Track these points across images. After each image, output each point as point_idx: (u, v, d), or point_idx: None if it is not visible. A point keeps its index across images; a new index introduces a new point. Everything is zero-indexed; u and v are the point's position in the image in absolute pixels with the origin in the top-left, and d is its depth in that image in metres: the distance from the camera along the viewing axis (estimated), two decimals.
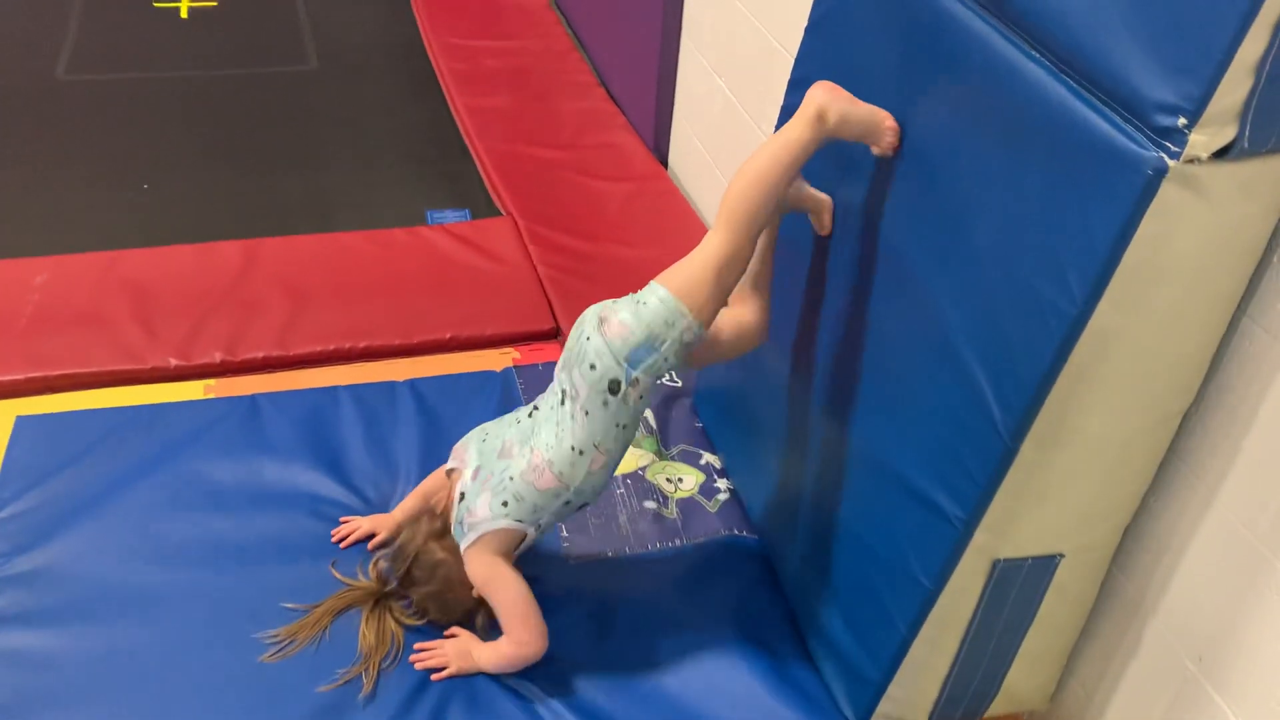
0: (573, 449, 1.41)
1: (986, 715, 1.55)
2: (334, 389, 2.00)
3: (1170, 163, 1.02)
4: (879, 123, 1.38)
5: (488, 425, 1.56)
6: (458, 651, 1.50)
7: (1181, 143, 1.02)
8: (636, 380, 1.37)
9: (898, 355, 1.41)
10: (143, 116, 3.11)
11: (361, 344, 2.23)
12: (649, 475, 1.85)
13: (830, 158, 1.58)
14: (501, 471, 1.46)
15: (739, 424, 1.85)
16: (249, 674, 1.47)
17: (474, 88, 3.30)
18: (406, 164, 3.00)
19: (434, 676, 1.48)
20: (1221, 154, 1.03)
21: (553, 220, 2.67)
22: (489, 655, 1.48)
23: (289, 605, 1.55)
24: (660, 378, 1.41)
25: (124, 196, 2.73)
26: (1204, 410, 1.27)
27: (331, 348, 2.21)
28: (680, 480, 1.86)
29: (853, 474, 1.50)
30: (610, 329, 1.38)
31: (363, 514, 1.71)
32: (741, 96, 2.46)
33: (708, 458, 1.91)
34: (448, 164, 2.99)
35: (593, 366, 1.37)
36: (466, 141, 3.07)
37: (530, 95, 3.28)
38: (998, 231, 1.22)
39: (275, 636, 1.50)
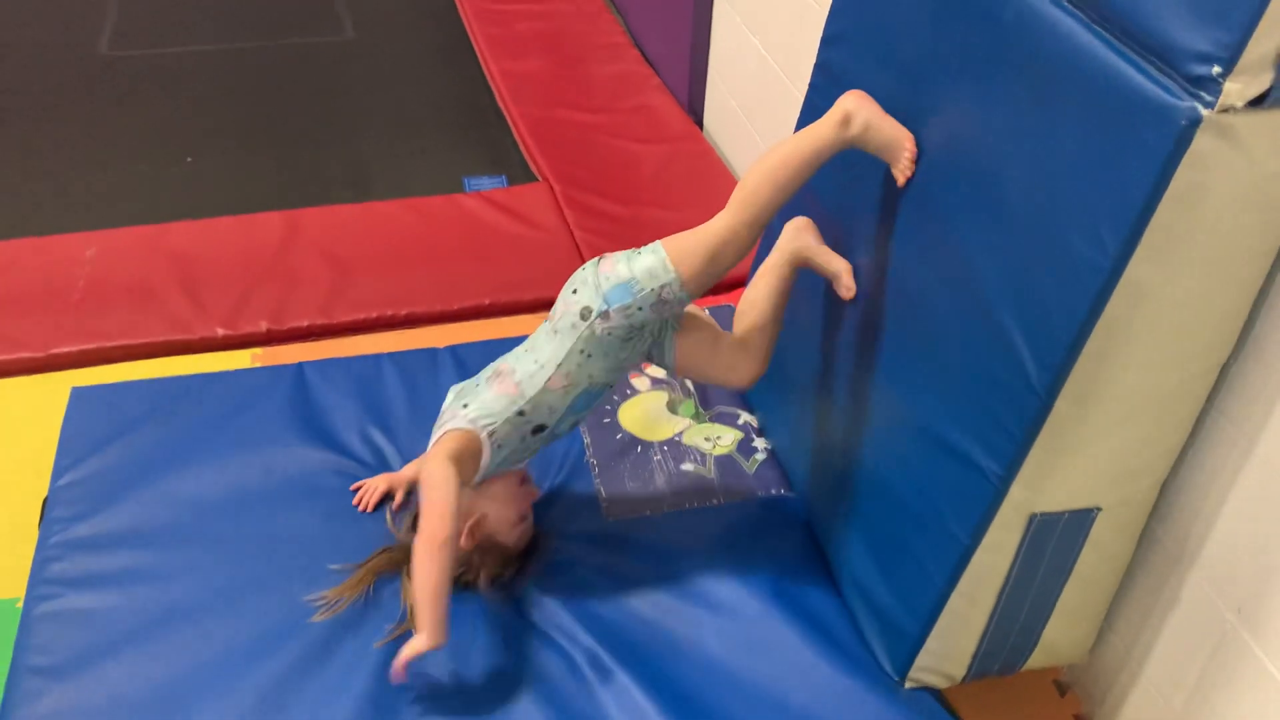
0: (535, 361, 1.48)
1: (1025, 668, 1.56)
2: (377, 356, 2.04)
3: (1204, 112, 1.01)
4: (900, 141, 1.42)
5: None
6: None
7: (1216, 92, 1.00)
8: (607, 314, 1.43)
9: (934, 312, 1.41)
10: (184, 90, 3.16)
11: (403, 311, 2.26)
12: (686, 439, 1.87)
13: None
14: (471, 382, 1.54)
15: (776, 383, 1.86)
16: (299, 632, 1.52)
17: (507, 52, 3.31)
18: (443, 131, 3.02)
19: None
20: (1257, 103, 1.01)
21: (588, 184, 2.68)
22: (421, 635, 1.40)
23: (334, 567, 1.59)
24: (635, 326, 1.45)
25: (168, 170, 2.78)
26: (1242, 363, 1.26)
27: (374, 315, 2.26)
28: (719, 438, 1.88)
29: (889, 430, 1.51)
30: (603, 265, 1.46)
31: None
32: (775, 53, 2.44)
33: (745, 417, 1.93)
34: (483, 130, 3.01)
35: (575, 291, 1.46)
36: (501, 107, 3.08)
37: (564, 58, 3.28)
38: (1031, 185, 1.22)
39: (323, 598, 1.55)
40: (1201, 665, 1.39)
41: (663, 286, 1.43)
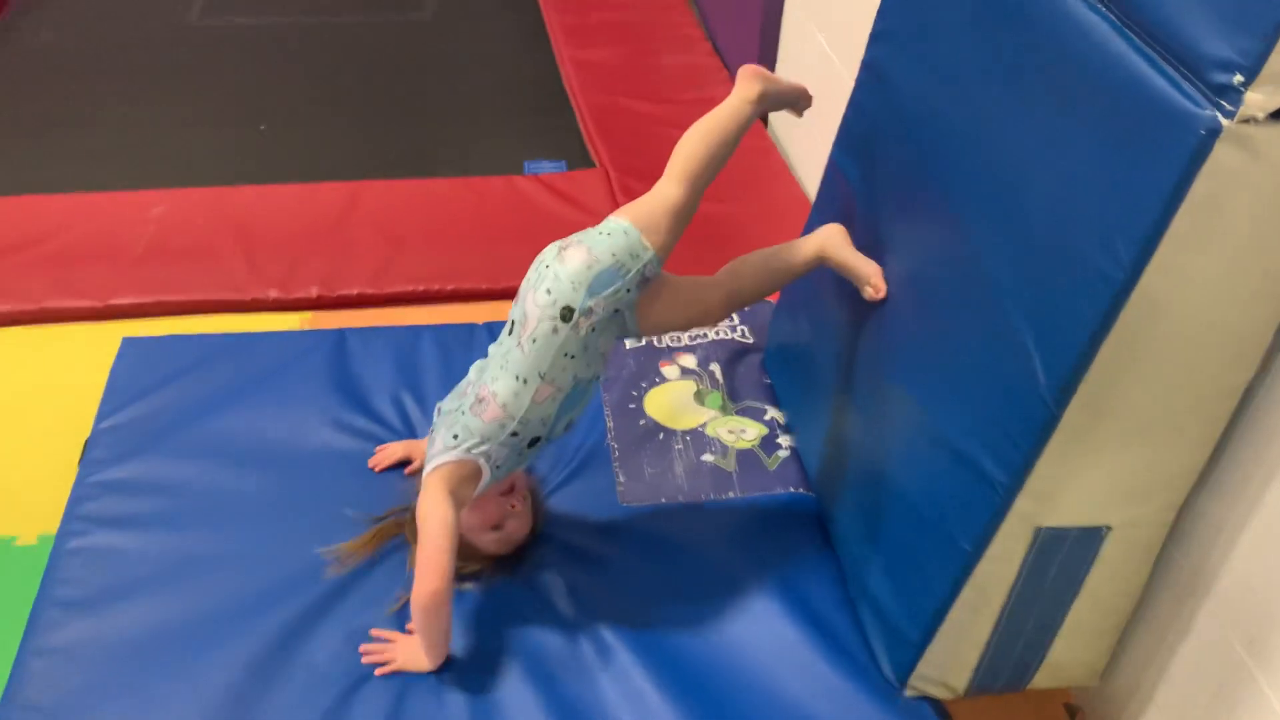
0: (516, 378, 1.41)
1: (1035, 689, 1.53)
2: (417, 327, 2.08)
3: (1224, 122, 0.98)
4: (866, 274, 1.54)
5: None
6: (405, 648, 1.47)
7: (1237, 101, 0.97)
8: (590, 310, 1.39)
9: (953, 317, 1.39)
10: (263, 60, 3.25)
11: (449, 286, 2.30)
12: (709, 430, 1.87)
13: (890, 116, 1.56)
14: (455, 409, 1.48)
15: (802, 381, 1.85)
16: (311, 586, 1.56)
17: (581, 40, 3.33)
18: (510, 115, 3.06)
19: (377, 672, 1.45)
20: (1278, 115, 0.98)
21: (645, 173, 2.67)
22: (423, 655, 1.45)
23: (350, 513, 1.63)
24: (617, 310, 1.41)
25: (241, 136, 2.86)
26: (1267, 386, 1.22)
27: (421, 288, 2.30)
28: (743, 431, 1.87)
29: (903, 434, 1.49)
30: (571, 256, 1.40)
31: None
32: (837, 51, 2.42)
33: (772, 413, 1.92)
34: (549, 116, 3.04)
35: (548, 292, 1.39)
36: (569, 93, 3.10)
37: (635, 49, 3.29)
38: (1051, 192, 1.19)
39: (336, 551, 1.59)
40: (1209, 698, 1.35)
41: (645, 264, 1.42)
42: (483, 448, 1.43)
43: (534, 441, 1.47)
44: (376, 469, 1.75)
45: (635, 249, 1.41)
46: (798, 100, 1.65)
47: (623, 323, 1.45)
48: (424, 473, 1.47)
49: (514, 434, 1.43)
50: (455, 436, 1.44)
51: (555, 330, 1.39)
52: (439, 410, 1.53)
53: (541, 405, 1.42)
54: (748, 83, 1.55)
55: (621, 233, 1.41)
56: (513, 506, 1.55)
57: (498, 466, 1.46)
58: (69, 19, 3.38)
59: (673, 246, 1.47)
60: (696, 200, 1.49)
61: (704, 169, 1.49)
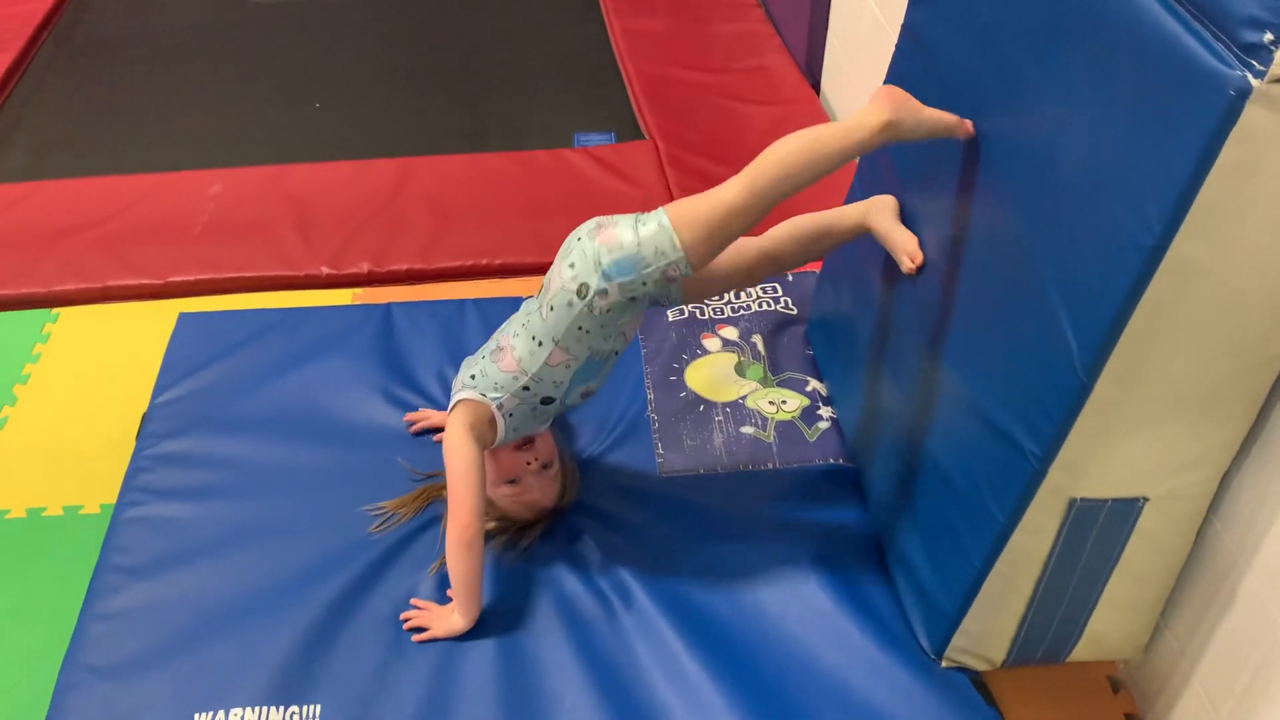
0: (533, 339, 1.44)
1: (1074, 660, 1.51)
2: (462, 301, 2.11)
3: (1255, 82, 0.94)
4: (906, 241, 1.51)
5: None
6: (440, 615, 1.50)
7: (1267, 61, 0.94)
8: (605, 291, 1.37)
9: (990, 287, 1.37)
10: (316, 39, 3.29)
11: (497, 260, 2.32)
12: (749, 402, 1.87)
13: (929, 81, 1.53)
14: (478, 352, 1.54)
15: (843, 352, 1.84)
16: (356, 558, 1.61)
17: (632, 8, 3.32)
18: (561, 86, 3.06)
19: (415, 638, 1.49)
20: None
21: (695, 145, 2.67)
22: (456, 611, 1.49)
23: (399, 460, 1.71)
24: (635, 298, 1.39)
25: (297, 114, 2.91)
26: None
27: (469, 263, 2.32)
28: (784, 402, 1.87)
29: (940, 406, 1.48)
30: (602, 236, 1.39)
31: None
32: (888, 16, 2.38)
33: (814, 384, 1.91)
34: (599, 87, 3.03)
35: (571, 265, 1.39)
36: (620, 64, 3.09)
37: (687, 17, 3.27)
38: (1085, 158, 1.16)
39: (380, 508, 1.65)
40: (1250, 674, 1.32)
41: (668, 265, 1.36)
42: (496, 395, 1.47)
43: (547, 400, 1.48)
44: (411, 430, 1.81)
45: (664, 246, 1.35)
46: (950, 134, 1.37)
47: (667, 297, 1.42)
48: (448, 409, 1.51)
49: (526, 388, 1.46)
50: (473, 377, 1.49)
51: (570, 305, 1.40)
52: (465, 363, 1.58)
53: (554, 369, 1.44)
54: (876, 106, 1.35)
55: (656, 225, 1.36)
56: (529, 463, 1.56)
57: (510, 415, 1.48)
58: (127, 6, 3.46)
59: (713, 253, 1.38)
60: (759, 213, 1.36)
61: (778, 184, 1.33)
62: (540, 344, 1.43)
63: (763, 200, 1.35)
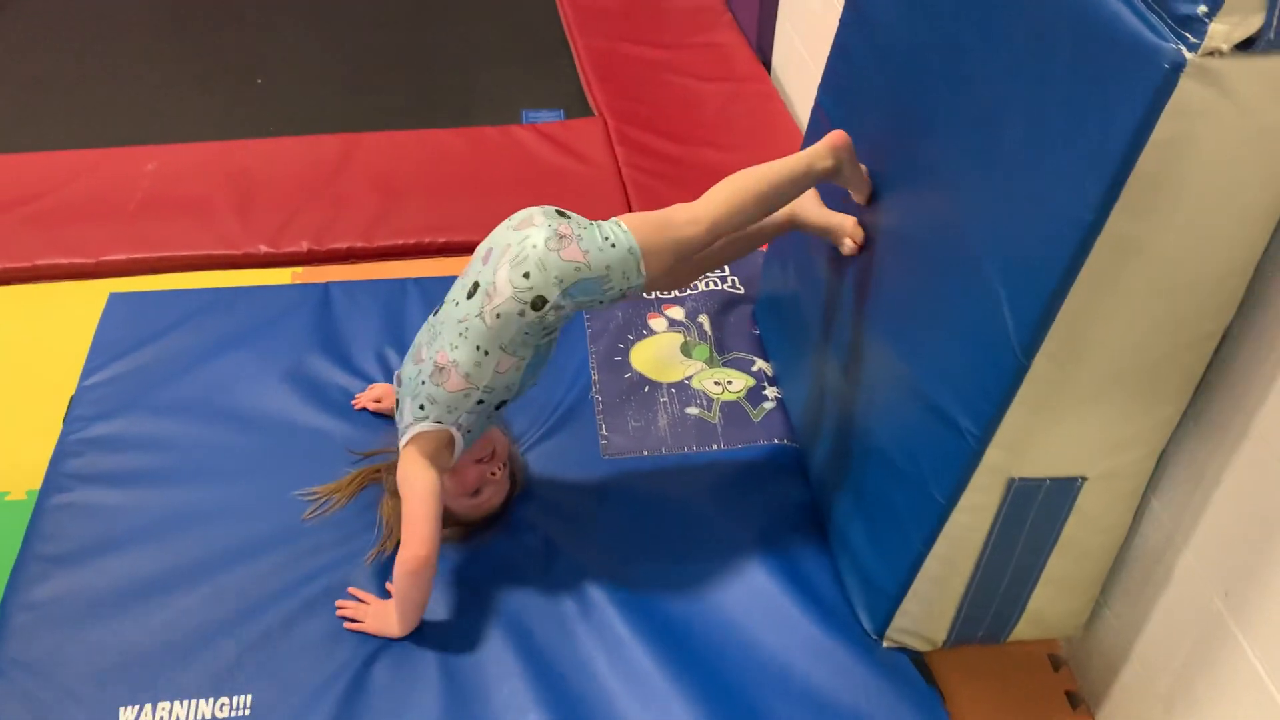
0: (478, 349, 1.36)
1: (1015, 639, 1.51)
2: (403, 281, 2.06)
3: (1188, 55, 0.93)
4: (841, 225, 1.53)
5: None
6: (377, 613, 1.47)
7: (1201, 33, 0.92)
8: (561, 306, 1.34)
9: (931, 266, 1.36)
10: (263, 13, 3.22)
11: (440, 239, 2.28)
12: (694, 383, 1.85)
13: (872, 56, 1.51)
14: (414, 377, 1.43)
15: (789, 332, 1.82)
16: (294, 539, 1.57)
17: None
18: (510, 63, 3.01)
19: (348, 625, 1.47)
20: (1246, 47, 0.93)
21: (645, 121, 2.64)
22: (394, 618, 1.45)
23: (297, 494, 1.64)
24: (586, 308, 1.39)
25: (238, 90, 2.84)
26: (1243, 335, 1.17)
27: (413, 241, 2.28)
28: (729, 383, 1.85)
29: (881, 386, 1.46)
30: (567, 251, 1.33)
31: None
32: None
33: (760, 364, 1.89)
34: (549, 63, 2.99)
35: (527, 275, 1.32)
36: (569, 39, 3.05)
37: None
38: (1022, 133, 1.15)
39: (313, 493, 1.62)
40: (1188, 649, 1.32)
41: (631, 287, 1.37)
42: (451, 416, 1.41)
43: (501, 404, 1.45)
44: (355, 405, 1.78)
45: (630, 272, 1.35)
46: (864, 190, 1.50)
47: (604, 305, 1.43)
48: (400, 443, 1.45)
49: (480, 401, 1.41)
50: (422, 407, 1.41)
51: (522, 314, 1.34)
52: (398, 379, 1.51)
53: (505, 375, 1.39)
54: (826, 150, 1.43)
55: (626, 250, 1.35)
56: (492, 475, 1.54)
57: (468, 431, 1.44)
58: None
59: (669, 272, 1.42)
60: (715, 237, 1.43)
61: (736, 220, 1.42)
62: (486, 353, 1.36)
63: (720, 233, 1.43)
